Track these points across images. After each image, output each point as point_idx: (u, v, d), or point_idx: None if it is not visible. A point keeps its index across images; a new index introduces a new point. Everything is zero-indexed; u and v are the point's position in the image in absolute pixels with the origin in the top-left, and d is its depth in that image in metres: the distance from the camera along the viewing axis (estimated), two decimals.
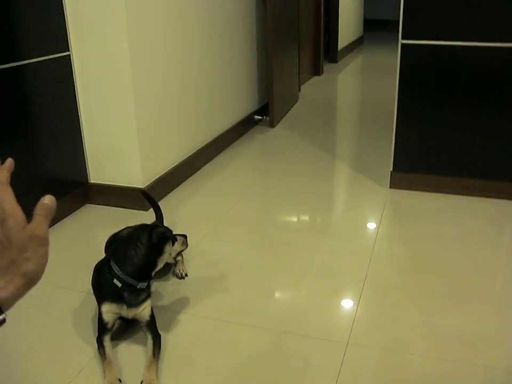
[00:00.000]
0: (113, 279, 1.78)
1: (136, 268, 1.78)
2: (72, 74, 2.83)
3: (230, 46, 3.97)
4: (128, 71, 2.74)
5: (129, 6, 2.67)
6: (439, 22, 2.79)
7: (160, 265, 1.85)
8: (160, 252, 1.82)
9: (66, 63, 2.79)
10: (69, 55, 2.79)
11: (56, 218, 2.80)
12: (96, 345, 1.81)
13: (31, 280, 0.74)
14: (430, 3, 2.78)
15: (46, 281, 2.28)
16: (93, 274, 2.01)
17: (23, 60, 2.51)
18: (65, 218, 2.87)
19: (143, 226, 1.87)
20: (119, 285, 1.77)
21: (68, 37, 2.77)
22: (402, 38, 2.86)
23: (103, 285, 1.84)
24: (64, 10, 2.72)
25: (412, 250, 2.52)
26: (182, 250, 2.00)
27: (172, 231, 1.91)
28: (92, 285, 2.01)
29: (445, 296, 2.14)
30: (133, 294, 1.81)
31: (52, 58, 2.68)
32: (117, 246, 1.86)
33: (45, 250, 0.75)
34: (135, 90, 2.78)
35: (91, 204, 3.05)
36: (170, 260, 2.15)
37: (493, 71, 2.80)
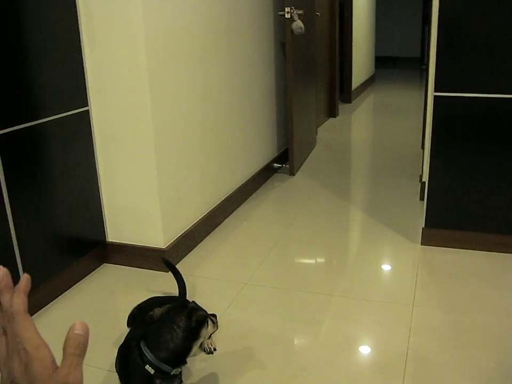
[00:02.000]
0: (144, 365, 1.63)
1: (171, 353, 1.64)
2: (91, 129, 2.72)
3: (249, 94, 3.86)
4: (149, 127, 2.63)
5: (150, 59, 2.57)
6: (472, 75, 2.68)
7: (194, 350, 1.70)
8: (196, 336, 1.67)
9: (85, 118, 2.68)
10: (88, 110, 2.69)
11: (72, 280, 2.67)
12: None
13: None
14: (462, 56, 2.67)
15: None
16: (117, 357, 1.86)
17: (42, 118, 2.41)
18: (83, 280, 2.73)
19: (179, 307, 1.72)
20: (152, 372, 1.62)
21: (87, 91, 2.67)
22: (435, 91, 2.74)
23: (132, 371, 1.68)
24: (84, 65, 2.63)
25: (453, 318, 2.35)
26: (213, 332, 1.85)
27: (206, 312, 1.76)
28: (117, 369, 1.86)
29: (495, 372, 1.98)
30: (165, 381, 1.66)
31: (70, 114, 2.58)
32: (148, 327, 1.71)
33: None
34: (156, 148, 2.67)
35: (109, 263, 2.92)
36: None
37: None
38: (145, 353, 1.64)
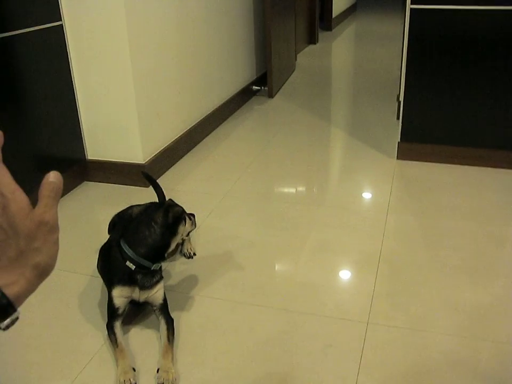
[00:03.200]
0: (125, 262, 1.68)
1: (150, 249, 1.68)
2: (66, 46, 2.69)
3: (227, 17, 3.82)
4: (125, 42, 2.60)
5: None
6: None
7: (173, 246, 1.75)
8: (174, 233, 1.72)
9: (59, 33, 2.64)
10: (62, 25, 2.65)
11: None
12: (106, 331, 1.72)
13: (44, 271, 0.65)
14: None
15: None
16: (99, 258, 1.91)
17: (11, 31, 2.37)
18: (63, 197, 2.76)
19: (156, 205, 1.76)
20: (132, 267, 1.68)
21: (60, 5, 2.62)
22: (412, 3, 2.74)
23: (113, 268, 1.73)
24: None
25: (425, 223, 2.44)
26: (191, 231, 1.90)
27: (183, 208, 1.81)
28: (99, 268, 1.92)
29: (462, 271, 2.07)
30: (146, 276, 1.72)
31: (43, 28, 2.54)
32: (126, 226, 1.76)
33: (56, 237, 0.65)
34: (133, 64, 2.65)
35: (89, 181, 2.94)
36: (179, 240, 2.06)
37: (505, 37, 2.69)
38: (125, 250, 1.69)
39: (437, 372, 1.60)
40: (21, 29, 2.41)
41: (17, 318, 0.64)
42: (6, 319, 0.62)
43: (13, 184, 0.63)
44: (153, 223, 1.69)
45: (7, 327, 0.64)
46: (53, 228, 0.64)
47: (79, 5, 2.61)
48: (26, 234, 0.62)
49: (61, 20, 2.64)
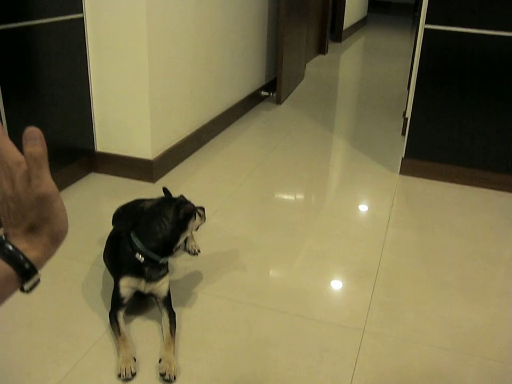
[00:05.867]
0: (135, 253, 1.73)
1: (159, 243, 1.73)
2: (85, 38, 2.73)
3: (241, 21, 3.87)
4: (144, 40, 2.65)
5: None
6: (465, 8, 2.73)
7: (181, 241, 1.80)
8: (184, 228, 1.77)
9: (79, 26, 2.69)
10: (82, 17, 2.70)
11: (60, 186, 2.73)
12: (109, 320, 1.76)
13: (58, 237, 0.67)
14: None
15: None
16: (107, 248, 1.95)
17: (33, 20, 2.41)
18: (70, 187, 2.80)
19: (168, 200, 1.81)
20: (141, 259, 1.72)
21: None
22: (426, 23, 2.79)
23: (122, 259, 1.77)
24: None
25: (424, 239, 2.49)
26: (201, 224, 1.95)
27: (194, 205, 1.85)
28: (106, 258, 1.96)
29: (458, 289, 2.12)
30: (153, 269, 1.76)
31: (64, 19, 2.58)
32: (138, 219, 1.80)
33: (59, 203, 0.66)
34: (150, 61, 2.70)
35: (96, 172, 2.99)
36: (189, 234, 2.10)
37: None
38: (136, 243, 1.74)
39: (428, 383, 1.64)
40: (42, 19, 2.45)
41: (38, 280, 0.67)
42: (30, 280, 0.66)
43: (18, 155, 0.64)
44: (164, 219, 1.73)
45: (30, 288, 0.67)
46: (53, 197, 0.64)
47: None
48: (30, 208, 0.64)
49: (82, 12, 2.68)
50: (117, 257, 1.82)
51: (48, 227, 0.66)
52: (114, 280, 1.80)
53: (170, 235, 1.74)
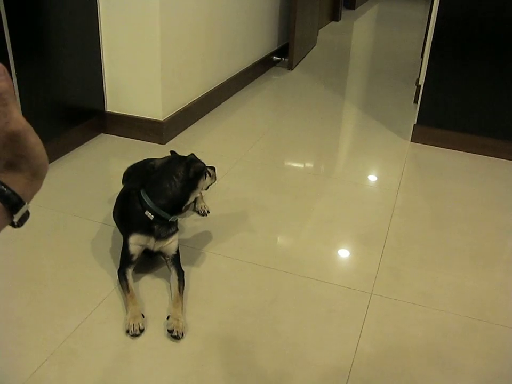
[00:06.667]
0: (144, 211, 1.72)
1: (169, 201, 1.72)
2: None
3: None
4: (156, 0, 2.62)
5: None
6: None
7: (191, 200, 1.79)
8: (194, 186, 1.76)
9: None
10: None
11: (70, 146, 2.73)
12: (118, 277, 1.77)
13: (38, 171, 0.66)
14: None
15: (60, 209, 2.23)
16: (116, 205, 1.95)
17: None
18: (80, 147, 2.79)
19: (178, 159, 1.80)
20: (151, 217, 1.72)
21: None
22: None
23: (132, 216, 1.77)
24: None
25: (434, 205, 2.48)
26: (211, 184, 1.94)
27: (205, 164, 1.84)
28: (116, 215, 1.96)
29: (467, 255, 2.11)
30: (162, 227, 1.76)
31: None
32: (148, 177, 1.79)
33: (33, 138, 0.63)
34: (161, 20, 2.67)
35: (106, 133, 2.98)
36: (198, 194, 2.10)
37: None
38: (145, 200, 1.74)
39: (435, 346, 1.65)
40: None
41: (27, 212, 0.66)
42: (18, 212, 0.64)
43: None
44: (174, 177, 1.72)
45: (20, 221, 0.65)
46: (23, 134, 0.62)
47: None
48: (2, 146, 0.62)
49: None
50: (127, 215, 1.82)
51: (26, 163, 0.64)
52: (123, 238, 1.80)
53: (180, 193, 1.73)
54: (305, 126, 3.30)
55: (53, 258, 1.93)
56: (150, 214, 1.73)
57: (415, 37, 5.93)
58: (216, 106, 3.47)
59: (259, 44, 4.15)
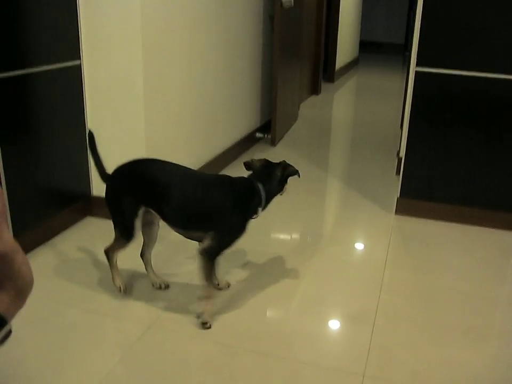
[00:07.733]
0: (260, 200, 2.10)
1: (268, 193, 2.13)
2: (82, 85, 2.77)
3: (234, 64, 3.93)
4: (140, 87, 2.69)
5: (144, 22, 2.63)
6: (453, 51, 2.78)
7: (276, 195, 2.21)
8: (284, 184, 2.20)
9: (77, 72, 2.73)
10: (80, 64, 2.74)
11: (56, 230, 2.73)
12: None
13: (22, 291, 0.67)
14: (445, 32, 2.77)
15: (46, 296, 2.18)
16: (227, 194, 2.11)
17: (34, 67, 2.45)
18: (66, 230, 2.79)
19: (274, 163, 2.21)
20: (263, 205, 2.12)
21: (80, 45, 2.71)
22: (417, 65, 2.84)
23: (251, 203, 2.10)
24: (78, 18, 2.67)
25: (421, 280, 2.48)
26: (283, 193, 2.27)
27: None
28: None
29: (458, 330, 2.11)
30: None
31: (62, 67, 2.62)
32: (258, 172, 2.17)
33: (20, 258, 0.66)
34: (146, 100, 2.73)
35: (92, 216, 2.98)
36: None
37: (505, 103, 2.79)
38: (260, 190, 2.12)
39: None
40: (39, 66, 2.49)
41: (10, 331, 0.66)
42: (0, 331, 0.64)
43: None
44: (273, 176, 2.15)
45: (1, 340, 0.65)
46: (11, 255, 0.64)
47: (98, 47, 2.70)
48: None
49: (80, 60, 2.72)
50: (246, 202, 2.09)
51: (10, 283, 0.65)
52: (231, 223, 2.05)
53: (276, 188, 2.17)
54: (288, 202, 3.32)
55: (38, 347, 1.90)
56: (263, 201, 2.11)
57: (394, 107, 6.08)
58: None
59: (241, 122, 4.24)
